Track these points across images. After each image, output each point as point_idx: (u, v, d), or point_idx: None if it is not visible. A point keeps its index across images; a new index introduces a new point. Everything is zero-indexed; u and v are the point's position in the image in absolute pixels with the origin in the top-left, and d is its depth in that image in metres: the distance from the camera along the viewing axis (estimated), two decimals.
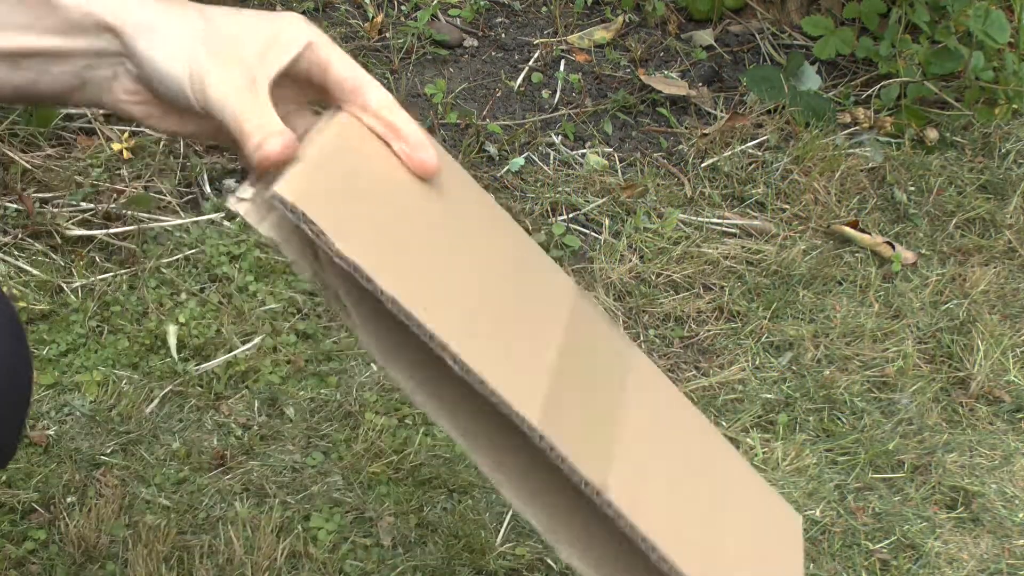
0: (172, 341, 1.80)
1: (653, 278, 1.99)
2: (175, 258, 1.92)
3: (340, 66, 1.09)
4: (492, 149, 2.17)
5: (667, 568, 0.90)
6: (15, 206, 1.93)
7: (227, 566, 1.56)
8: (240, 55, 0.99)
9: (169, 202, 2.01)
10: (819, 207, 2.11)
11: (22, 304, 1.82)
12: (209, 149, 2.12)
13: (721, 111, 2.28)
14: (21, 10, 0.96)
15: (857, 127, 2.28)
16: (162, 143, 2.08)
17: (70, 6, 0.95)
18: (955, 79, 2.31)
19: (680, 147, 2.21)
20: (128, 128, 2.10)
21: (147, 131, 2.11)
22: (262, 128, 0.94)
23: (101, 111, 2.10)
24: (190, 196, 2.04)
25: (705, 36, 2.45)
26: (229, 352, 1.79)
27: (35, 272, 1.85)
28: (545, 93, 2.30)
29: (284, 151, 0.92)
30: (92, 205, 1.97)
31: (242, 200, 0.88)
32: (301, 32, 1.09)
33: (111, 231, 1.94)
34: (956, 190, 2.18)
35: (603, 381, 1.03)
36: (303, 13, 2.39)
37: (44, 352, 1.77)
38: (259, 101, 0.96)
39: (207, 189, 2.05)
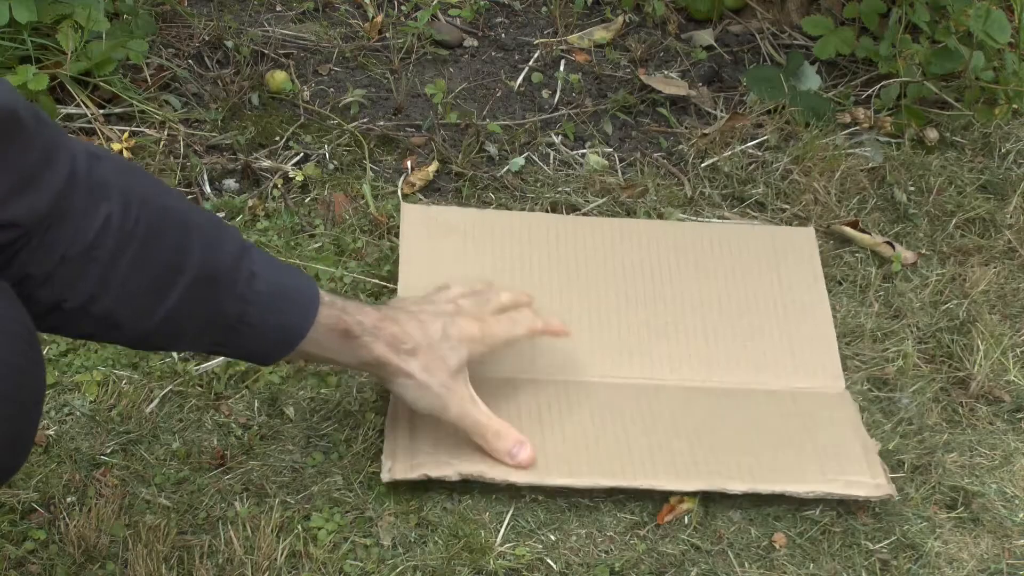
0: None
1: None
2: None
3: None
4: (492, 149, 2.17)
5: None
6: None
7: (227, 566, 1.56)
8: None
9: None
10: (819, 207, 2.11)
11: None
12: (210, 149, 2.12)
13: (721, 111, 2.28)
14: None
15: (857, 127, 2.28)
16: (162, 143, 2.09)
17: None
18: (955, 79, 2.31)
19: (680, 147, 2.21)
20: (128, 128, 2.10)
21: (147, 131, 2.11)
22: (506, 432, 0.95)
23: (101, 111, 2.10)
24: (190, 196, 2.04)
25: (705, 36, 2.45)
26: None
27: None
28: (545, 93, 2.30)
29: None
30: None
31: None
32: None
33: None
34: (956, 190, 2.18)
35: None
36: (303, 13, 2.39)
37: (44, 352, 1.77)
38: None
39: (207, 189, 2.05)
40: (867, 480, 1.66)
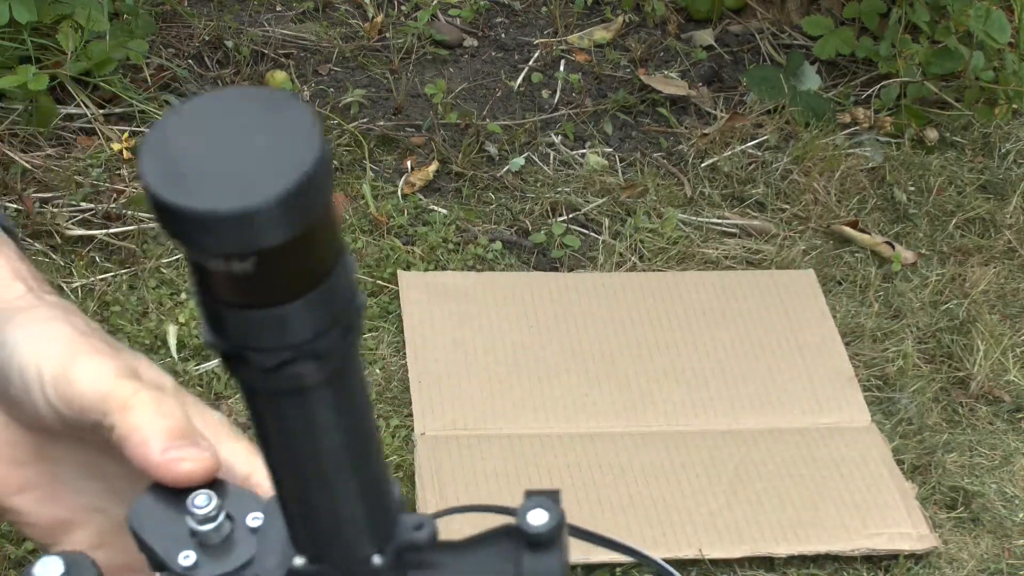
0: (172, 341, 1.80)
1: None
2: (175, 258, 1.92)
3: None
4: (492, 149, 2.17)
5: None
6: (15, 206, 1.93)
7: None
8: (117, 349, 0.74)
9: None
10: (819, 207, 2.11)
11: None
12: None
13: (721, 111, 2.28)
14: None
15: (857, 127, 2.28)
16: None
17: None
18: (955, 79, 2.31)
19: (680, 147, 2.21)
20: (128, 128, 2.10)
21: (147, 131, 2.11)
22: (167, 430, 0.69)
23: (101, 111, 2.10)
24: None
25: (705, 36, 2.45)
26: None
27: None
28: (545, 93, 2.30)
29: (206, 465, 0.68)
30: (92, 205, 1.97)
31: None
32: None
33: (111, 231, 1.94)
34: (956, 190, 2.18)
35: None
36: (303, 13, 2.39)
37: None
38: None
39: None
40: (910, 531, 1.65)
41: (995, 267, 2.04)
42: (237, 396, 1.76)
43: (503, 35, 2.43)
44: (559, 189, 2.10)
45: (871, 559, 1.65)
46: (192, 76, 2.22)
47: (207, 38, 2.29)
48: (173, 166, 0.42)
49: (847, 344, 1.90)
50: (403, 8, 2.43)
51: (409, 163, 2.12)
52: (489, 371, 1.81)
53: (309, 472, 0.52)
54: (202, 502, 0.64)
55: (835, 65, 2.39)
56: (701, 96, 2.32)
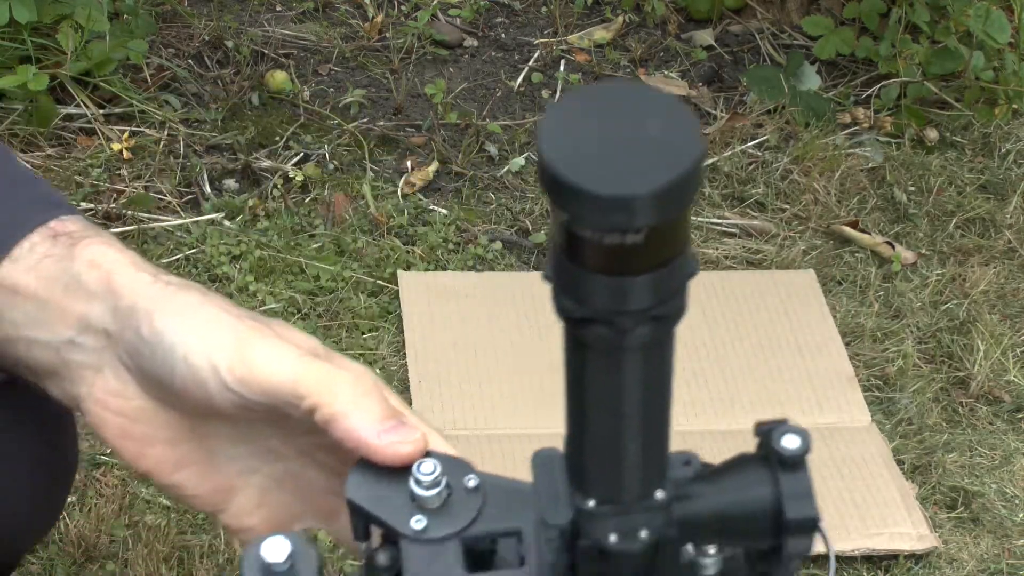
0: None
1: None
2: (175, 258, 1.92)
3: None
4: (492, 149, 2.17)
5: None
6: None
7: (227, 566, 1.56)
8: (272, 324, 0.75)
9: (169, 202, 2.01)
10: (819, 207, 2.11)
11: None
12: (210, 149, 2.12)
13: (721, 111, 2.28)
14: (43, 249, 0.77)
15: (857, 127, 2.28)
16: (162, 143, 2.09)
17: (82, 260, 0.76)
18: (955, 79, 2.31)
19: None
20: (128, 128, 2.10)
21: (147, 131, 2.11)
22: (377, 413, 0.70)
23: (101, 111, 2.10)
24: (190, 196, 2.04)
25: (705, 36, 2.45)
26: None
27: None
28: (545, 93, 2.30)
29: (420, 446, 0.71)
30: (92, 205, 1.97)
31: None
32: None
33: (111, 231, 1.94)
34: (956, 190, 2.18)
35: None
36: (303, 13, 2.39)
37: None
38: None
39: (207, 189, 2.05)
40: (910, 531, 1.66)
41: (995, 267, 2.04)
42: None
43: (503, 35, 2.43)
44: None
45: (871, 559, 1.65)
46: (192, 76, 2.22)
47: (207, 38, 2.29)
48: (578, 150, 0.48)
49: (847, 344, 1.90)
50: (403, 8, 2.43)
51: (409, 163, 2.12)
52: (489, 371, 1.81)
53: (622, 422, 0.58)
54: (428, 469, 0.69)
55: (835, 65, 2.39)
56: (701, 96, 2.32)
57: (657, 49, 2.42)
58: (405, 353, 1.83)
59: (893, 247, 2.05)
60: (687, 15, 2.50)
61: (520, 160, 2.14)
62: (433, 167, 2.12)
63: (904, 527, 1.66)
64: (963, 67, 2.27)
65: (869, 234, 2.08)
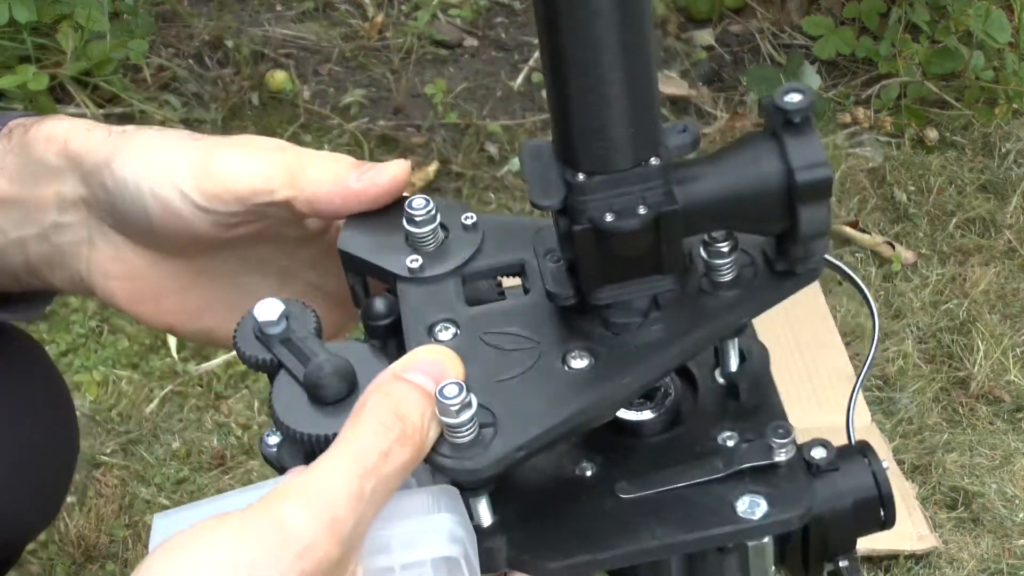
0: (172, 341, 1.80)
1: None
2: None
3: None
4: (492, 149, 2.17)
5: None
6: None
7: None
8: (251, 140, 0.74)
9: None
10: None
11: None
12: None
13: (721, 111, 2.28)
14: (1, 148, 0.76)
15: (857, 127, 2.28)
16: None
17: (38, 142, 0.75)
18: (955, 79, 2.31)
19: None
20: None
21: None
22: (350, 165, 0.68)
23: (101, 111, 2.10)
24: None
25: (705, 36, 2.45)
26: (229, 352, 1.79)
27: None
28: (545, 93, 2.30)
29: (403, 167, 0.70)
30: None
31: None
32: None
33: None
34: (956, 190, 2.18)
35: None
36: (303, 13, 2.39)
37: None
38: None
39: None
40: (910, 531, 1.66)
41: (995, 267, 2.04)
42: (238, 396, 1.76)
43: (503, 35, 2.43)
44: None
45: (871, 559, 1.65)
46: (192, 76, 2.22)
47: (207, 38, 2.29)
48: None
49: (847, 344, 1.90)
50: (403, 8, 2.43)
51: (409, 163, 2.12)
52: None
53: (600, 56, 0.52)
54: (419, 204, 0.66)
55: (835, 65, 2.39)
56: (701, 96, 2.32)
57: (657, 49, 2.42)
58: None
59: (893, 247, 2.05)
60: (687, 15, 2.50)
61: None
62: (433, 167, 2.12)
63: (904, 527, 1.66)
64: (963, 67, 2.27)
65: (869, 234, 2.08)
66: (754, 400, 0.66)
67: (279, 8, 2.41)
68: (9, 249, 0.76)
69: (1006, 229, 2.11)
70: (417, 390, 0.58)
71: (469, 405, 0.58)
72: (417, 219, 0.66)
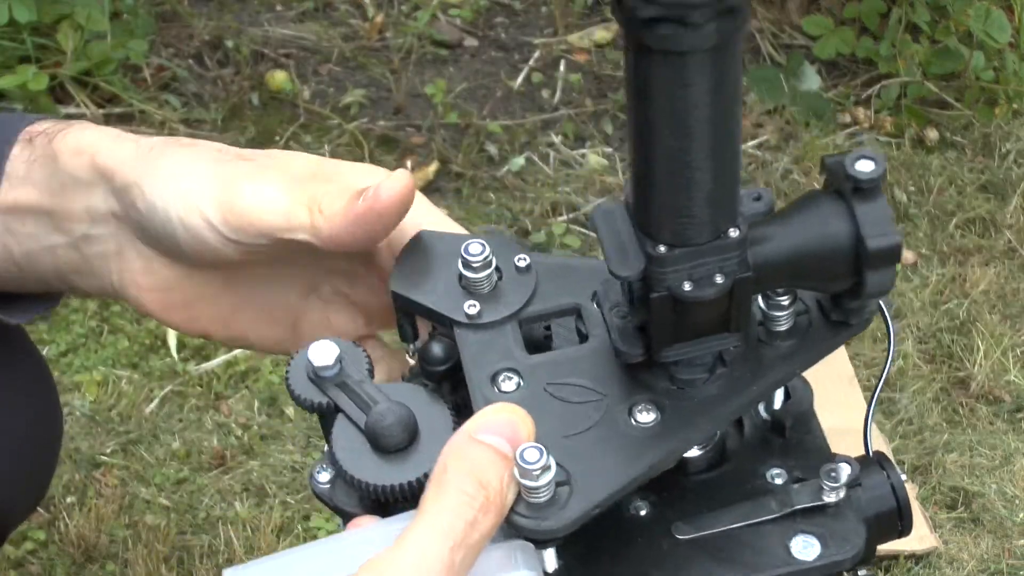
0: (172, 341, 1.80)
1: None
2: None
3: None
4: (492, 149, 2.17)
5: None
6: None
7: (227, 566, 1.56)
8: (274, 162, 0.75)
9: None
10: None
11: None
12: None
13: None
14: (26, 155, 0.78)
15: (857, 127, 2.28)
16: None
17: (65, 153, 0.77)
18: (955, 79, 2.31)
19: None
20: (128, 128, 2.10)
21: (147, 131, 2.11)
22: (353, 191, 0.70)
23: (101, 111, 2.10)
24: None
25: None
26: (229, 352, 1.79)
27: None
28: (545, 93, 2.30)
29: (405, 179, 0.71)
30: None
31: None
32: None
33: None
34: (956, 190, 2.18)
35: None
36: (303, 13, 2.39)
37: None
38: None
39: None
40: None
41: (995, 267, 2.04)
42: (237, 396, 1.76)
43: (503, 35, 2.43)
44: (559, 189, 2.10)
45: None
46: (192, 76, 2.22)
47: (207, 38, 2.29)
48: None
49: (847, 344, 1.90)
50: (403, 8, 2.43)
51: (409, 163, 2.12)
52: None
53: (690, 143, 0.53)
54: (476, 250, 0.65)
55: (835, 65, 2.39)
56: None
57: None
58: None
59: None
60: None
61: (520, 160, 2.14)
62: (433, 167, 2.12)
63: None
64: (963, 67, 2.27)
65: None
66: (798, 436, 0.66)
67: (279, 8, 2.41)
68: (41, 255, 0.79)
69: (1006, 229, 2.11)
70: (496, 454, 0.58)
71: (549, 468, 0.58)
72: (474, 265, 0.66)
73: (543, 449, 0.58)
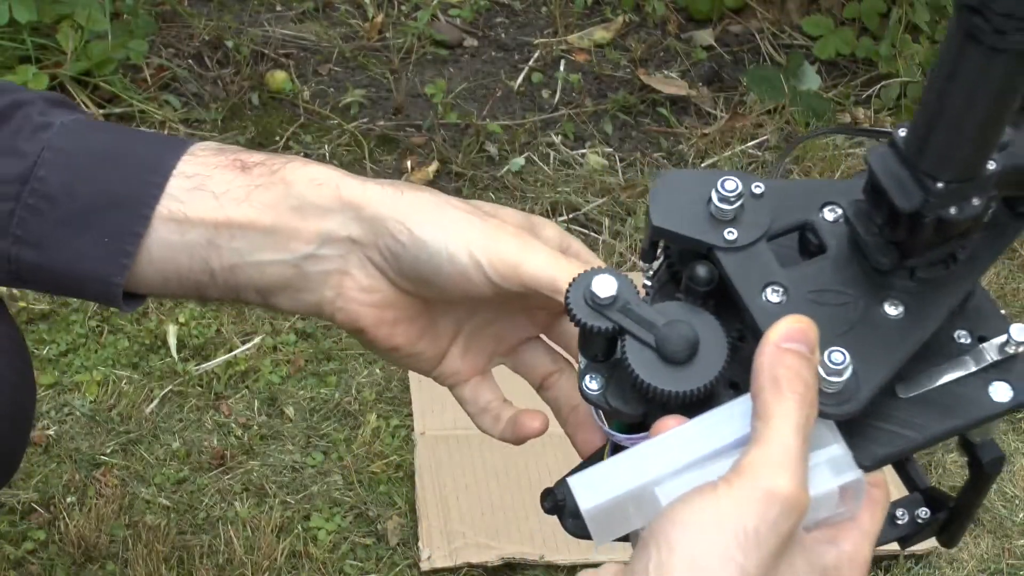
0: (172, 341, 1.80)
1: None
2: None
3: None
4: (492, 149, 2.17)
5: None
6: None
7: (227, 566, 1.56)
8: (519, 223, 0.89)
9: None
10: None
11: (22, 304, 1.82)
12: None
13: (721, 111, 2.28)
14: (242, 180, 0.86)
15: (857, 127, 2.28)
16: None
17: (300, 182, 0.86)
18: None
19: (680, 147, 2.21)
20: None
21: (148, 130, 2.10)
22: None
23: (101, 111, 2.10)
24: None
25: (705, 36, 2.45)
26: (229, 352, 1.79)
27: None
28: (545, 93, 2.30)
29: None
30: None
31: None
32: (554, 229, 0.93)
33: None
34: None
35: None
36: (303, 13, 2.39)
37: (44, 352, 1.77)
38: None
39: None
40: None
41: (995, 267, 2.04)
42: (237, 396, 1.76)
43: (503, 35, 2.43)
44: (559, 189, 2.10)
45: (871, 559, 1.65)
46: (192, 76, 2.22)
47: (207, 38, 2.29)
48: None
49: None
50: (403, 8, 2.43)
51: (409, 163, 2.12)
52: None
53: (997, 118, 0.68)
54: (731, 186, 0.77)
55: (835, 65, 2.39)
56: (701, 96, 2.32)
57: (657, 49, 2.42)
58: None
59: None
60: (687, 15, 2.50)
61: (520, 160, 2.14)
62: (433, 167, 2.12)
63: None
64: None
65: None
66: (974, 302, 0.79)
67: (279, 8, 2.41)
68: (244, 269, 0.87)
69: None
70: (804, 359, 0.72)
71: (849, 365, 0.72)
72: (731, 199, 0.76)
73: (845, 352, 0.72)
